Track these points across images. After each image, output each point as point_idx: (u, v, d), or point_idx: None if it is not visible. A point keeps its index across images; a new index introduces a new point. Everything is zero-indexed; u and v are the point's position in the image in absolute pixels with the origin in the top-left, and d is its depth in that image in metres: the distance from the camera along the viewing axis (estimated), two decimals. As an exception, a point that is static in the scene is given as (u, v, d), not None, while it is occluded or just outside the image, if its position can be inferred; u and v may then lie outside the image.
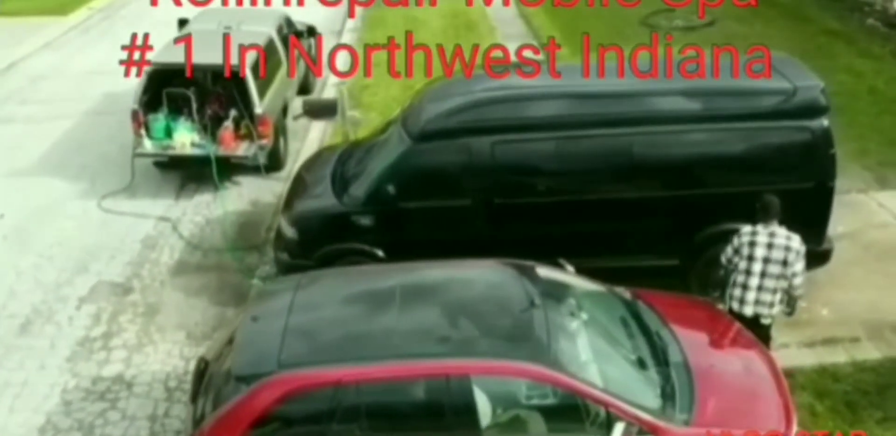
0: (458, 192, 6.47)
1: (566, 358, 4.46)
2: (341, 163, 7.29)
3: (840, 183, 8.73)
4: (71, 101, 11.88)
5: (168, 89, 8.88)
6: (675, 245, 6.66)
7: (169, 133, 8.88)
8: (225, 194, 9.14)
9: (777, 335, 6.57)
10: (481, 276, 5.09)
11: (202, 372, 4.80)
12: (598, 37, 13.67)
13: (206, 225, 8.79)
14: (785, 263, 5.63)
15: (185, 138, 8.81)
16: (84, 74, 13.03)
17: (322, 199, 6.88)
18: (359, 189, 6.64)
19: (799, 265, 5.66)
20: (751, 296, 5.68)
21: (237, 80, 8.66)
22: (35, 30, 15.09)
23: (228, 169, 9.23)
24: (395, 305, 4.71)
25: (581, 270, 6.79)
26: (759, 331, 5.83)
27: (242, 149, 8.86)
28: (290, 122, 10.33)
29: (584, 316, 4.94)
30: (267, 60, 9.41)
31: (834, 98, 10.69)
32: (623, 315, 5.21)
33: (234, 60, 8.59)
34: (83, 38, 15.08)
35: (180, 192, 9.39)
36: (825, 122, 6.35)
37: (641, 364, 4.77)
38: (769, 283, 5.66)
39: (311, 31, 11.09)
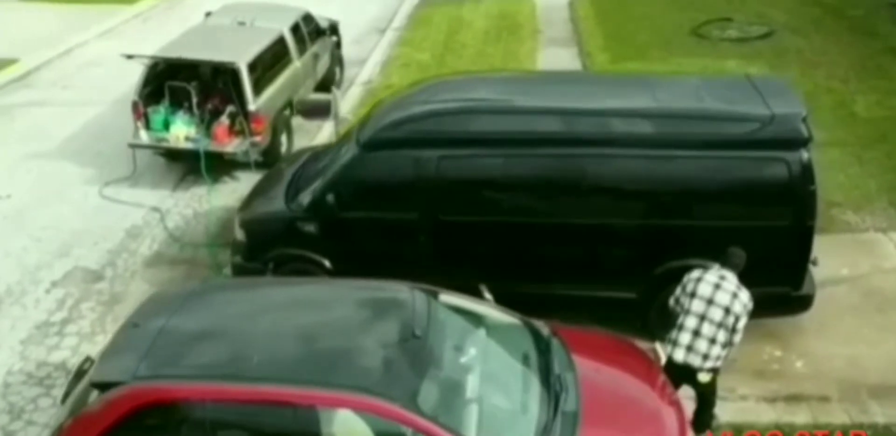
0: (404, 205, 6.20)
1: (430, 398, 4.14)
2: (303, 166, 7.16)
3: (859, 219, 8.03)
4: (108, 88, 12.28)
5: (170, 83, 9.01)
6: (634, 278, 6.17)
7: (167, 126, 9.02)
8: (217, 189, 9.23)
9: (738, 384, 6.00)
10: (373, 300, 4.80)
11: (83, 372, 4.76)
12: (643, 46, 13.05)
13: (192, 218, 8.90)
14: (728, 310, 5.09)
15: (181, 132, 8.93)
16: (130, 63, 13.49)
17: (273, 203, 6.77)
18: (306, 196, 6.49)
19: (742, 321, 5.13)
20: (685, 338, 5.16)
21: (235, 76, 8.68)
22: (100, 17, 15.77)
23: (224, 164, 9.33)
24: (272, 324, 4.53)
25: (530, 298, 6.45)
26: (697, 388, 5.30)
27: (233, 145, 8.90)
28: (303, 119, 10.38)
29: (473, 352, 4.59)
30: (273, 57, 9.41)
31: (879, 124, 9.88)
32: (527, 353, 4.81)
33: (230, 57, 8.61)
34: (142, 27, 15.64)
35: (179, 184, 9.54)
36: (805, 154, 5.68)
37: (525, 410, 4.37)
38: (707, 329, 5.12)
39: (334, 29, 11.01)
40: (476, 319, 4.94)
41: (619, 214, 5.94)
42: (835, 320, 6.57)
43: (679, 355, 5.17)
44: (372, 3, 16.61)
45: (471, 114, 6.04)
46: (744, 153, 5.70)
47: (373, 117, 6.56)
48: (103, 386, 4.27)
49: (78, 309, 7.37)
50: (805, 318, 6.53)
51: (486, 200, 6.08)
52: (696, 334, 5.14)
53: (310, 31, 10.51)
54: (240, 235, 6.80)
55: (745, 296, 5.15)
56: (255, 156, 9.00)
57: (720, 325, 5.11)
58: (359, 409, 4.03)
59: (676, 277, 5.86)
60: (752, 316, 6.51)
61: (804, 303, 6.23)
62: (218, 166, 9.34)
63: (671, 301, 5.37)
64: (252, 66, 8.77)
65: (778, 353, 6.33)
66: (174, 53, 8.74)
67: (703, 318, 5.14)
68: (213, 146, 8.87)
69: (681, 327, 5.20)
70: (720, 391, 5.65)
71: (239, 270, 6.97)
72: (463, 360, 4.59)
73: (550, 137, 5.84)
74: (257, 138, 8.93)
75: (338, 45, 11.89)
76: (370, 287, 5.03)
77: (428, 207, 6.13)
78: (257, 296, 4.95)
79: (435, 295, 4.89)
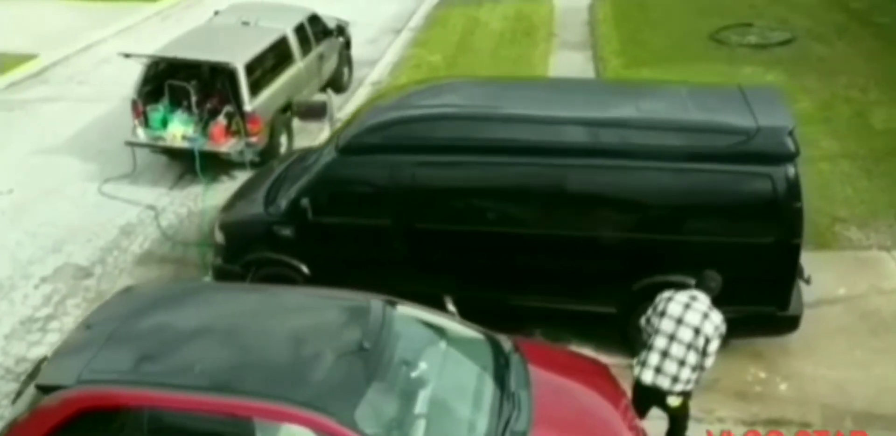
0: (379, 211, 6.09)
1: (370, 413, 4.02)
2: (287, 169, 7.10)
3: (863, 235, 7.71)
4: (121, 85, 12.38)
5: (170, 81, 9.04)
6: (613, 292, 5.98)
7: (165, 124, 9.06)
8: (214, 188, 9.24)
9: (717, 406, 5.78)
10: (327, 310, 4.71)
11: (38, 372, 4.75)
12: (659, 51, 12.76)
13: (186, 217, 8.92)
14: (697, 331, 4.88)
15: (178, 131, 8.96)
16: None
17: (253, 205, 6.72)
18: (283, 199, 6.42)
19: (714, 344, 4.91)
20: (653, 359, 4.97)
21: (232, 76, 8.67)
22: (121, 14, 15.98)
23: (221, 164, 9.34)
24: (221, 331, 4.47)
25: (507, 309, 6.31)
26: (667, 411, 5.10)
27: (228, 145, 8.90)
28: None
29: (425, 366, 4.47)
30: (274, 58, 9.39)
31: (895, 137, 9.48)
32: (484, 369, 4.68)
33: (227, 57, 8.60)
34: (160, 25, 15.80)
35: (177, 182, 9.58)
36: (791, 170, 5.42)
37: (472, 429, 4.23)
38: (676, 350, 4.92)
39: (341, 30, 10.96)
40: (434, 333, 4.82)
41: (596, 227, 5.75)
42: (825, 342, 6.30)
43: (647, 377, 4.98)
44: (392, 2, 16.58)
45: (447, 120, 5.91)
46: (726, 167, 5.47)
47: (354, 121, 6.47)
48: (47, 389, 4.25)
49: (63, 305, 7.42)
50: (793, 338, 6.26)
51: (462, 209, 5.96)
52: (665, 354, 4.94)
53: (316, 31, 10.48)
54: (219, 237, 6.77)
55: (716, 317, 4.94)
56: (250, 156, 8.99)
57: (690, 346, 4.91)
58: (294, 422, 3.94)
59: (655, 293, 5.69)
60: (737, 335, 6.32)
61: (790, 324, 5.98)
62: (215, 166, 9.36)
63: (642, 321, 5.19)
64: (250, 67, 8.75)
65: (762, 374, 6.09)
66: (172, 53, 8.77)
67: (672, 338, 4.94)
68: (209, 146, 8.89)
69: (650, 348, 5.01)
70: (696, 412, 5.44)
71: (218, 272, 6.95)
72: (413, 374, 4.47)
73: (527, 146, 5.67)
74: (253, 139, 8.92)
75: (347, 45, 11.84)
76: (327, 297, 4.94)
77: (402, 214, 6.02)
78: (212, 302, 4.89)
79: (393, 306, 4.76)
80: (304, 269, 6.49)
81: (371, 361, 4.26)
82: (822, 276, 6.68)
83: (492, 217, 5.88)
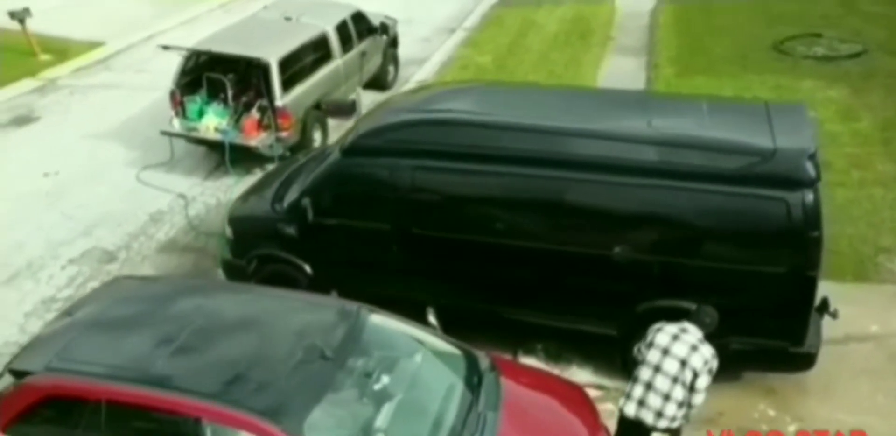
0: (378, 215, 6.02)
1: (321, 424, 3.95)
2: (301, 167, 7.10)
3: (906, 266, 7.11)
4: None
5: (208, 74, 9.22)
6: (614, 313, 5.71)
7: (202, 115, 9.24)
8: (245, 180, 9.36)
9: (716, 445, 5.44)
10: (298, 316, 4.65)
11: None
12: (717, 60, 12.21)
13: (214, 208, 9.09)
14: (684, 363, 4.59)
15: (212, 122, 9.12)
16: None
17: (262, 201, 6.75)
18: (289, 197, 6.42)
19: (703, 380, 4.60)
20: (637, 391, 4.71)
21: (265, 71, 8.76)
22: (187, 6, 16.50)
23: (255, 157, 9.45)
24: (193, 329, 4.47)
25: (505, 323, 6.13)
26: None
27: (258, 139, 9.00)
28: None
29: (389, 379, 4.36)
30: (311, 54, 9.44)
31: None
32: (453, 386, 4.53)
33: (261, 53, 8.69)
34: (223, 17, 16.10)
35: (212, 173, 9.78)
36: (809, 196, 5.02)
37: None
38: (661, 382, 4.64)
39: (385, 28, 10.93)
40: (407, 345, 4.71)
41: (597, 244, 5.50)
42: (847, 383, 5.85)
43: (630, 409, 4.72)
44: (450, 2, 16.50)
45: (450, 125, 5.76)
46: (738, 189, 5.12)
47: (361, 122, 6.41)
48: (18, 374, 4.36)
49: (84, 288, 7.63)
50: (811, 376, 5.85)
51: (460, 217, 5.80)
52: (649, 387, 4.67)
53: (359, 29, 10.48)
54: (227, 231, 6.84)
55: (707, 351, 4.63)
56: (280, 151, 9.07)
57: (675, 379, 4.62)
58: (240, 428, 3.91)
59: (662, 317, 5.41)
60: (747, 369, 5.97)
61: (804, 361, 5.58)
62: (248, 159, 9.49)
63: (634, 350, 4.92)
64: (284, 62, 8.82)
65: (771, 412, 5.71)
66: (208, 46, 8.93)
67: (657, 369, 4.67)
68: (240, 139, 9.02)
69: (635, 379, 4.76)
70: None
71: (226, 266, 7.03)
72: (377, 387, 4.38)
73: (528, 156, 5.47)
74: (284, 134, 8.99)
75: (393, 43, 11.81)
76: (305, 302, 4.90)
77: (401, 219, 5.92)
78: (190, 300, 4.88)
79: (367, 316, 4.67)
80: (307, 269, 6.49)
81: (331, 370, 4.20)
82: (856, 310, 6.23)
83: (489, 227, 5.70)
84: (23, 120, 11.32)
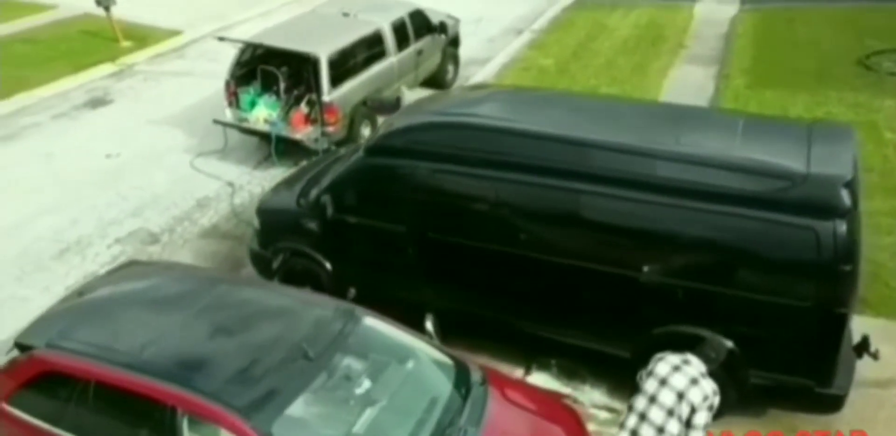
0: (395, 216, 5.98)
1: (291, 425, 3.96)
2: (332, 163, 7.15)
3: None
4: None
5: (262, 66, 9.43)
6: (629, 335, 5.49)
7: (254, 106, 9.47)
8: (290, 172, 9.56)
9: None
10: (293, 314, 4.66)
11: None
12: (792, 73, 11.59)
13: (258, 197, 9.29)
14: (681, 396, 4.36)
15: (262, 114, 9.34)
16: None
17: (290, 195, 6.84)
18: (314, 193, 6.48)
19: (701, 416, 4.35)
20: (631, 421, 4.51)
21: (315, 66, 8.89)
22: (265, -1, 17.00)
23: (302, 150, 9.62)
24: (190, 319, 4.58)
25: (514, 334, 6.00)
26: None
27: (304, 133, 9.14)
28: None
29: (370, 385, 4.33)
30: (364, 51, 9.51)
31: None
32: (437, 397, 4.45)
33: (312, 48, 8.81)
34: (296, 9, 16.48)
35: (261, 163, 10.02)
36: (842, 226, 4.65)
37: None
38: (655, 414, 4.42)
39: (443, 27, 10.90)
40: (397, 352, 4.67)
41: (611, 261, 5.28)
42: (882, 430, 5.41)
43: None
44: (524, 3, 16.32)
45: (471, 130, 5.64)
46: (762, 213, 4.79)
47: (389, 121, 6.39)
48: (23, 347, 4.58)
49: (125, 266, 8.01)
50: (842, 420, 5.45)
51: (475, 224, 5.68)
52: (643, 417, 4.44)
53: (417, 27, 10.48)
54: (255, 221, 6.97)
55: (707, 386, 4.37)
56: (325, 145, 9.19)
57: (671, 412, 4.38)
58: (211, 419, 3.97)
59: (678, 343, 5.17)
60: (769, 406, 5.62)
61: (831, 403, 5.20)
62: (297, 151, 9.67)
63: (637, 377, 4.71)
64: (334, 58, 8.91)
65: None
66: (262, 40, 9.13)
67: (652, 399, 4.44)
68: (287, 131, 9.19)
69: (630, 408, 4.55)
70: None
71: (253, 256, 7.17)
72: (358, 391, 4.36)
73: (548, 166, 5.30)
74: (330, 128, 9.10)
75: (453, 43, 11.76)
76: (301, 301, 4.91)
77: (417, 222, 5.87)
78: (194, 289, 4.96)
79: (360, 319, 4.65)
80: (328, 265, 6.54)
81: (311, 371, 4.20)
82: (905, 352, 5.76)
83: (506, 237, 5.56)
84: (97, 102, 11.93)
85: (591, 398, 6.13)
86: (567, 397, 6.03)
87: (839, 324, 4.89)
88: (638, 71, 12.31)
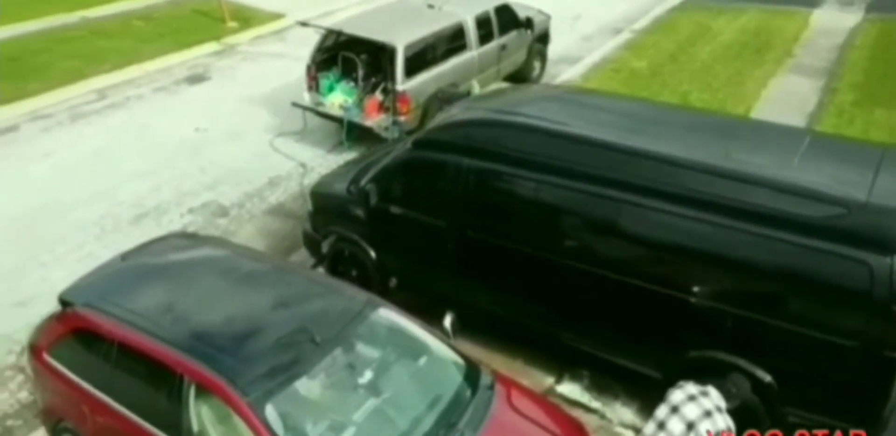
0: (437, 211, 5.97)
1: (287, 408, 4.07)
2: (388, 152, 7.20)
3: None
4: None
5: (343, 53, 9.64)
6: (662, 355, 5.28)
7: (331, 91, 9.70)
8: (360, 157, 9.75)
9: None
10: (312, 298, 4.74)
11: None
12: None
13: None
14: (691, 427, 4.15)
15: (338, 99, 9.55)
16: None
17: (343, 181, 6.96)
18: (363, 180, 6.57)
19: None
20: None
21: (391, 55, 8.99)
22: (371, -15, 17.30)
23: (375, 136, 9.78)
24: (213, 292, 4.77)
25: (545, 341, 5.88)
26: None
27: (376, 120, 9.28)
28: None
29: (376, 376, 4.38)
30: (445, 43, 9.53)
31: None
32: (440, 396, 4.44)
33: (389, 37, 8.91)
34: (394, -2, 16.82)
35: (336, 147, 10.28)
36: None
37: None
38: (661, 443, 4.22)
39: (530, 23, 10.74)
40: (407, 346, 4.68)
41: (650, 277, 5.05)
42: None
43: None
44: (628, 1, 15.85)
45: (517, 129, 5.53)
46: (811, 241, 4.44)
47: (443, 115, 6.37)
48: (64, 303, 4.93)
49: (192, 236, 8.45)
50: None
51: (516, 227, 5.58)
52: (648, 444, 4.27)
53: (503, 21, 10.38)
54: (309, 203, 7.16)
55: (722, 422, 4.13)
56: (396, 134, 9.29)
57: (676, 442, 4.18)
58: (212, 390, 4.12)
59: (711, 369, 4.94)
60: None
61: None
62: (369, 138, 9.84)
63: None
64: (411, 48, 8.98)
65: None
66: (343, 27, 9.31)
67: (661, 426, 4.24)
68: (360, 118, 9.36)
69: (638, 432, 4.38)
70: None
71: (305, 237, 7.37)
72: (360, 381, 4.40)
73: (589, 173, 5.13)
74: (402, 118, 9.19)
75: (542, 39, 11.57)
76: (323, 285, 4.99)
77: (457, 219, 5.85)
78: (225, 264, 5.15)
79: (375, 309, 4.69)
80: (372, 252, 6.63)
81: (315, 356, 4.27)
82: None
83: (546, 243, 5.43)
84: (196, 79, 12.59)
85: (619, 416, 5.93)
86: (594, 412, 5.88)
87: (888, 368, 4.48)
88: (735, 79, 11.71)
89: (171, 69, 12.87)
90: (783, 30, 13.70)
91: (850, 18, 14.10)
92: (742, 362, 4.90)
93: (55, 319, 4.98)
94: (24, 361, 5.75)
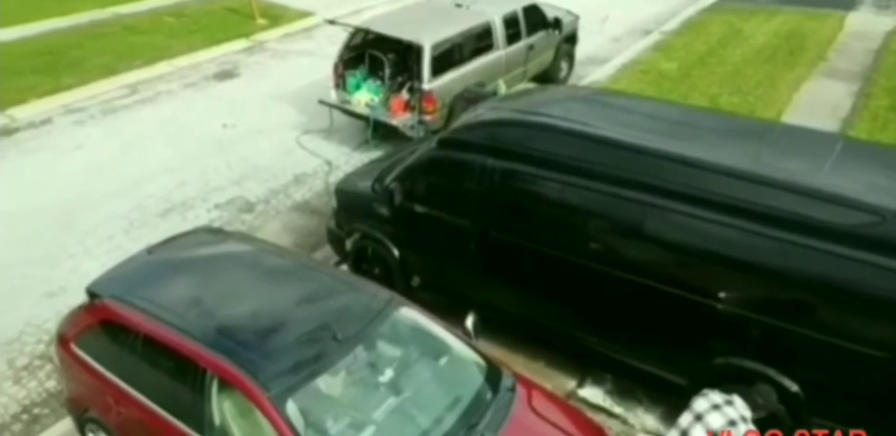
0: (460, 210, 5.97)
1: (308, 404, 4.09)
2: (413, 151, 7.21)
3: None
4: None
5: (371, 51, 9.66)
6: (687, 361, 5.22)
7: (358, 89, 9.74)
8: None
9: None
10: (333, 295, 4.74)
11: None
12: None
13: (349, 177, 9.60)
14: (712, 437, 4.10)
15: (364, 97, 9.58)
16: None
17: (367, 179, 6.98)
18: (387, 179, 6.58)
19: None
20: None
21: (418, 54, 9.00)
22: (401, -15, 17.33)
23: (400, 135, 9.80)
24: (237, 287, 4.80)
25: (570, 346, 5.85)
26: None
27: (402, 119, 9.30)
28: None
29: (394, 375, 4.39)
30: (472, 42, 9.51)
31: None
32: (460, 397, 4.43)
33: (416, 36, 8.91)
34: (425, -2, 16.83)
35: (361, 145, 10.32)
36: None
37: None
38: (680, 451, 4.17)
39: (558, 24, 10.68)
40: (428, 346, 4.68)
41: (675, 282, 4.99)
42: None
43: None
44: (661, 1, 15.71)
45: (540, 130, 5.49)
46: (840, 249, 4.36)
47: (468, 115, 6.36)
48: (91, 295, 5.01)
49: (218, 231, 8.53)
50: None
51: (539, 228, 5.55)
52: (667, 451, 4.24)
53: (531, 22, 10.34)
54: (333, 200, 7.19)
55: (743, 431, 4.08)
56: (422, 133, 9.31)
57: (696, 450, 4.13)
58: (235, 386, 4.15)
59: (736, 377, 4.88)
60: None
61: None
62: (395, 136, 9.87)
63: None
64: (438, 48, 8.97)
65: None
66: (368, 25, 9.34)
67: (684, 434, 4.20)
68: (386, 116, 9.38)
69: None
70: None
71: (329, 234, 7.41)
72: (380, 379, 4.42)
73: (613, 174, 5.09)
74: (427, 117, 9.20)
75: (570, 40, 11.51)
76: (346, 283, 4.99)
77: (480, 218, 5.83)
78: (248, 260, 5.19)
79: (397, 308, 4.69)
80: (395, 251, 6.65)
81: (336, 353, 4.29)
82: None
83: (571, 245, 5.39)
84: (225, 75, 12.72)
85: (642, 422, 5.88)
86: (616, 417, 5.83)
87: (914, 380, 4.40)
88: (766, 83, 11.55)
89: (200, 65, 13.02)
90: (817, 33, 13.48)
91: (887, 22, 13.84)
92: (768, 371, 4.84)
93: (83, 310, 5.06)
94: (53, 351, 5.87)
